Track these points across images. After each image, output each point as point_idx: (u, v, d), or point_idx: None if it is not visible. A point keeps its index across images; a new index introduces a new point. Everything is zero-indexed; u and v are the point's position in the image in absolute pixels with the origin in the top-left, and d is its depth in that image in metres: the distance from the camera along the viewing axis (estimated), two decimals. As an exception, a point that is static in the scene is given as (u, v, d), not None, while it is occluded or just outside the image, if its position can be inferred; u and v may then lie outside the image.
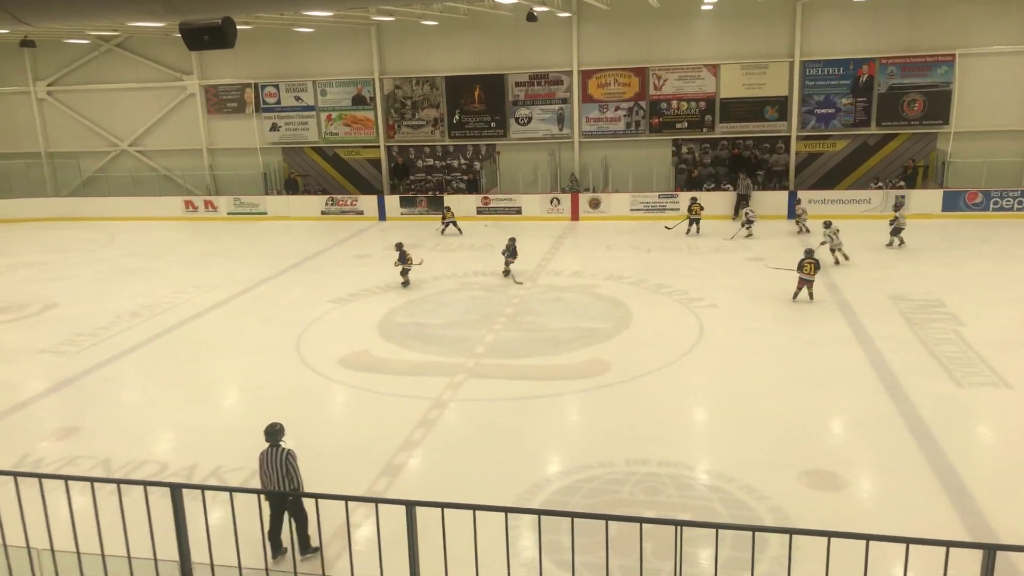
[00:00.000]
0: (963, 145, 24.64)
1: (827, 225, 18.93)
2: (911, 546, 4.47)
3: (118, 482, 4.76)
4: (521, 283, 18.17)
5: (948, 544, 4.32)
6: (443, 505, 4.48)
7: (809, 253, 16.05)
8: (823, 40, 25.03)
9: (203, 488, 4.73)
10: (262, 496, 7.43)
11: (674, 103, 26.29)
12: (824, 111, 25.43)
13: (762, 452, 10.00)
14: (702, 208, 23.25)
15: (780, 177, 26.00)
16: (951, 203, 23.65)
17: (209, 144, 30.03)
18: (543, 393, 12.22)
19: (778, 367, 12.83)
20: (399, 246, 18.54)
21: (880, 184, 24.86)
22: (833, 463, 9.68)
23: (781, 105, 25.67)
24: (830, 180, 25.82)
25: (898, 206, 21.67)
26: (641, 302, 16.46)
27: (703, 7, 24.74)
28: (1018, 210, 23.27)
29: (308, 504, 7.87)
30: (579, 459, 9.97)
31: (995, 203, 23.41)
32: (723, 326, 14.83)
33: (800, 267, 15.80)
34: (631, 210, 25.35)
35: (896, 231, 20.51)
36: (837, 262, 18.67)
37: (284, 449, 7.91)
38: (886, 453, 9.90)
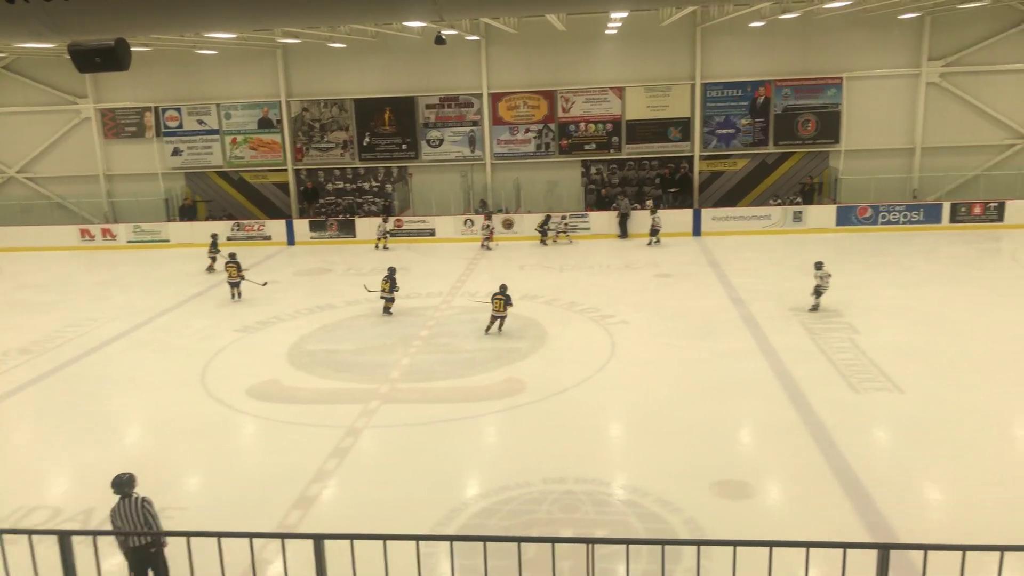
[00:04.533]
0: (853, 163, 26.05)
1: (818, 267, 16.62)
2: (813, 548, 4.64)
3: (1, 532, 4.44)
4: (392, 314, 17.25)
5: (845, 546, 4.50)
6: (352, 537, 4.38)
7: (503, 288, 15.81)
8: (722, 63, 26.09)
9: (95, 534, 4.46)
10: (121, 554, 7.04)
11: (582, 125, 26.83)
12: (725, 131, 26.44)
13: (675, 464, 10.21)
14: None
15: (684, 196, 26.82)
16: (844, 218, 24.90)
17: (107, 170, 28.81)
18: (460, 416, 12.14)
19: (688, 380, 13.15)
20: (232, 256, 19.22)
21: (779, 201, 25.97)
22: (742, 472, 9.95)
23: (684, 126, 26.55)
24: (732, 198, 26.83)
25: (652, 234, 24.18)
26: (555, 321, 16.62)
27: (607, 31, 25.41)
28: (904, 223, 24.69)
29: (175, 544, 7.48)
30: (497, 480, 9.93)
31: (883, 217, 24.78)
32: (634, 342, 15.13)
33: (492, 300, 15.82)
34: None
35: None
36: (816, 308, 16.46)
37: (138, 498, 7.26)
38: (791, 460, 10.26)
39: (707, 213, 25.33)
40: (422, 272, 21.70)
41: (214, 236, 23.32)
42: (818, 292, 16.59)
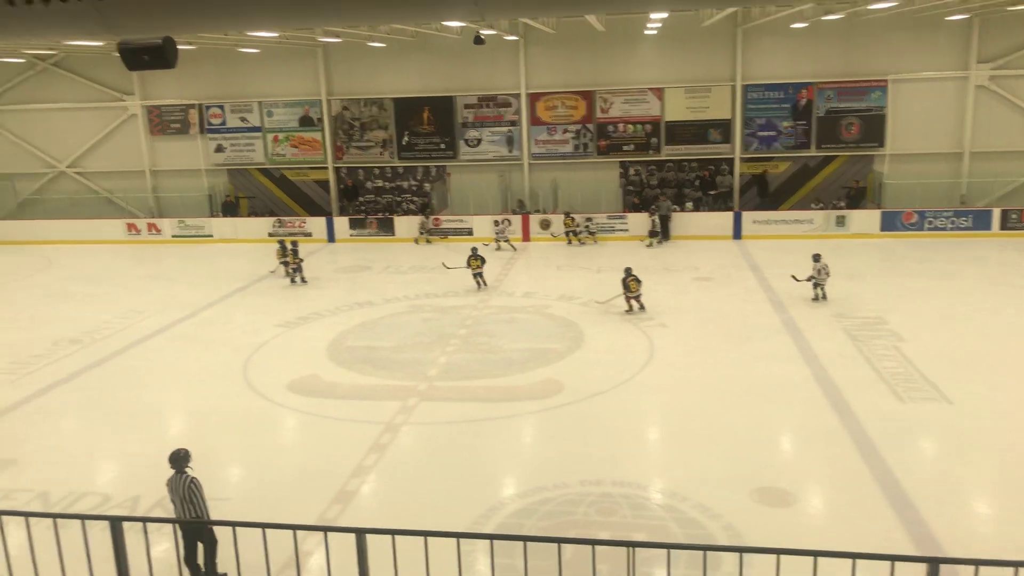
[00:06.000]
0: (898, 167, 25.55)
1: (816, 259, 17.43)
2: (859, 560, 4.57)
3: (55, 516, 4.57)
4: (486, 285, 19.52)
5: (893, 558, 4.43)
6: (394, 532, 4.42)
7: (628, 271, 17.06)
8: (764, 65, 25.77)
9: (145, 520, 4.57)
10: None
11: (621, 126, 26.71)
12: (766, 134, 26.12)
13: (714, 470, 10.12)
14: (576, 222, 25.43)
15: (725, 199, 26.57)
16: (889, 223, 24.44)
17: (152, 165, 29.40)
18: (497, 415, 12.18)
19: (727, 385, 13.01)
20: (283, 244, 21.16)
21: (821, 205, 25.57)
22: (783, 479, 9.84)
23: (724, 128, 26.29)
24: (773, 201, 26.48)
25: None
26: (592, 322, 16.58)
27: (646, 32, 25.27)
28: (951, 229, 24.16)
29: (222, 531, 7.73)
30: (534, 481, 9.95)
31: (929, 223, 24.28)
32: (673, 345, 15.02)
33: (625, 287, 16.92)
34: (574, 232, 25.56)
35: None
36: (817, 298, 17.34)
37: (188, 476, 7.86)
38: (833, 468, 10.11)
39: (747, 216, 25.05)
40: (459, 271, 21.75)
41: (282, 243, 21.80)
42: (815, 284, 17.34)
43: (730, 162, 26.56)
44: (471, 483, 10.02)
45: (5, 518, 4.78)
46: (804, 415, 11.72)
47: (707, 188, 26.50)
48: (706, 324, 16.25)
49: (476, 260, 19.54)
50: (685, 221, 25.18)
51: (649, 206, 25.89)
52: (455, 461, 10.67)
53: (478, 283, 19.49)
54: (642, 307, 16.97)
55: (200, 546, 7.83)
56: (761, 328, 15.87)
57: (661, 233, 25.03)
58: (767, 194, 26.44)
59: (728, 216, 25.30)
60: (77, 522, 4.80)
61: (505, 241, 24.76)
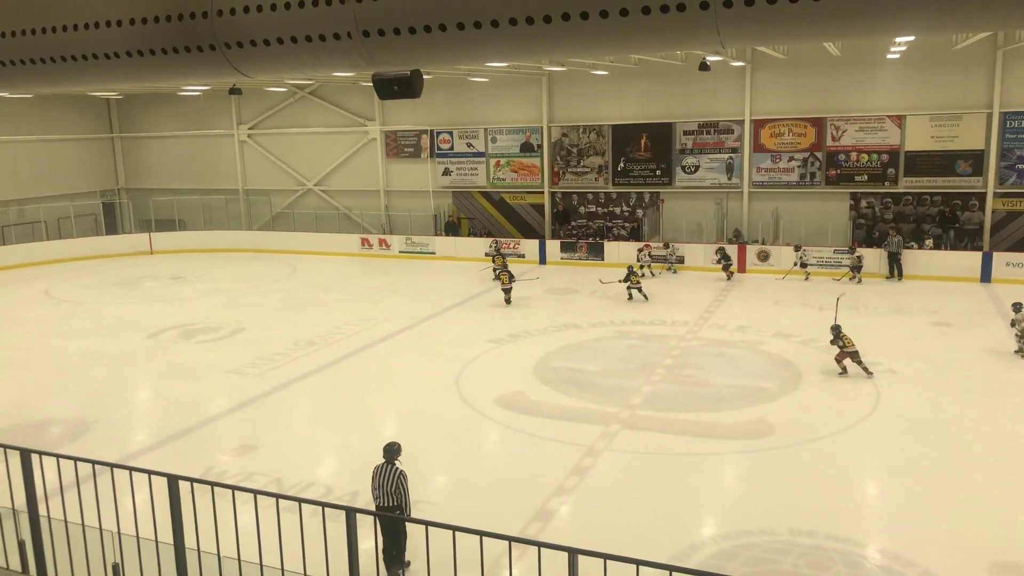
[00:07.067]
0: None
1: (1017, 309, 15.62)
2: None
3: (300, 501, 5.04)
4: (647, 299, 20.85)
5: None
6: (606, 556, 4.41)
7: (838, 328, 14.79)
8: (1028, 90, 23.07)
9: (375, 514, 4.92)
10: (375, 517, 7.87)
11: (853, 155, 25.06)
12: (1027, 167, 23.32)
13: (946, 536, 9.12)
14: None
15: (972, 236, 23.99)
16: None
17: (386, 186, 31.87)
18: (701, 451, 11.80)
19: (967, 443, 11.69)
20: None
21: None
22: (1033, 558, 8.64)
23: (976, 159, 23.80)
24: (1038, 242, 23.49)
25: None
26: (811, 363, 15.59)
27: (888, 56, 23.56)
28: None
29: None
30: (738, 523, 9.51)
31: None
32: (903, 394, 13.75)
33: (839, 341, 14.61)
34: (802, 265, 24.20)
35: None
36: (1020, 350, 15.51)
37: (398, 468, 8.34)
38: (1099, 553, 8.73)
39: (999, 257, 22.43)
40: (668, 299, 21.45)
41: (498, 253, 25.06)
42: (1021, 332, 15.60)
43: (980, 196, 23.97)
44: (671, 518, 9.77)
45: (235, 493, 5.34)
46: (1063, 488, 10.24)
47: (947, 224, 24.08)
48: (942, 374, 14.72)
49: (635, 276, 21.05)
50: (922, 259, 23.04)
51: (883, 241, 24.01)
52: (655, 493, 10.46)
53: (631, 294, 20.96)
54: (868, 372, 14.49)
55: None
56: (1010, 384, 14.10)
57: (893, 271, 23.11)
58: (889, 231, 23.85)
59: (975, 256, 22.80)
60: (294, 505, 5.22)
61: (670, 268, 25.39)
